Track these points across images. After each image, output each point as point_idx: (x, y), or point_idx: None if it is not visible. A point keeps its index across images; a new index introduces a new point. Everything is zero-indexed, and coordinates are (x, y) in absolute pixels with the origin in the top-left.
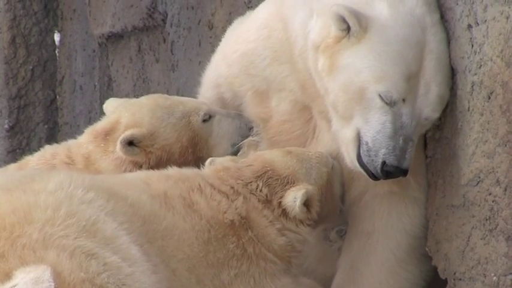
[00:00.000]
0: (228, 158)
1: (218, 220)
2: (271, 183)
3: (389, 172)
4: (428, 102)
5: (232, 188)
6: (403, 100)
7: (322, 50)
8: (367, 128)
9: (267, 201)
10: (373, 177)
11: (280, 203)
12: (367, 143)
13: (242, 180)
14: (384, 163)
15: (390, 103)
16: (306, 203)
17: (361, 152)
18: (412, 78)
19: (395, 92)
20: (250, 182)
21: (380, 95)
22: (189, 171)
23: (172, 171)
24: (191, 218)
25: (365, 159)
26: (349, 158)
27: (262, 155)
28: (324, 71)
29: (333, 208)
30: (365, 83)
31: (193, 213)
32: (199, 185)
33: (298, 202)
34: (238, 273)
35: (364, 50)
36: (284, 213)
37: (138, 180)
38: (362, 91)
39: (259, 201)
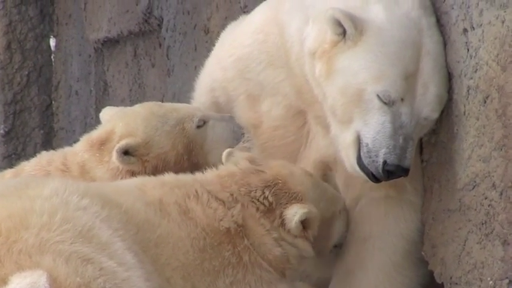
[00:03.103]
0: (246, 154)
1: (214, 228)
2: (278, 193)
3: (391, 172)
4: (427, 101)
5: (231, 195)
6: (402, 99)
7: (319, 56)
8: (367, 130)
9: (268, 211)
10: (374, 179)
11: (281, 213)
12: (367, 145)
13: (245, 187)
14: (385, 163)
15: (389, 103)
16: (305, 223)
17: (362, 154)
18: (409, 78)
19: (394, 91)
20: (255, 190)
21: (378, 95)
22: (186, 177)
23: (169, 177)
24: (186, 226)
25: (366, 161)
26: (349, 162)
27: (280, 166)
28: (321, 76)
29: (324, 247)
30: (363, 84)
31: (188, 220)
32: (196, 192)
33: (296, 217)
34: (233, 281)
35: (361, 52)
36: (283, 224)
37: (132, 187)
38: (360, 93)
39: (257, 210)
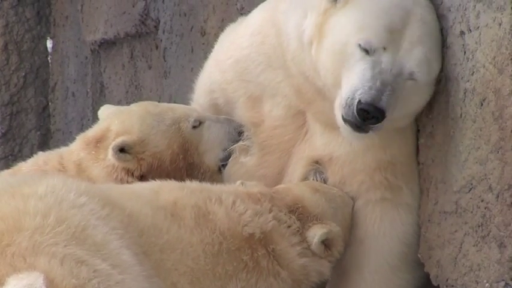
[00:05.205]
0: (258, 183)
1: (235, 232)
2: (301, 218)
3: (365, 111)
4: (413, 56)
5: (263, 206)
6: (384, 48)
7: (315, 36)
8: (349, 82)
9: (297, 231)
10: (353, 126)
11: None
12: (346, 88)
13: (276, 208)
14: (359, 102)
15: (370, 51)
16: (328, 243)
17: (341, 101)
18: (395, 33)
19: (375, 39)
20: (284, 213)
21: (360, 45)
22: (211, 185)
23: (191, 183)
24: (201, 230)
25: (343, 104)
26: (339, 121)
27: (291, 190)
28: (316, 50)
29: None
30: (347, 36)
31: (205, 223)
32: (220, 196)
33: (316, 239)
34: (245, 286)
35: (349, 10)
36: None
37: (146, 190)
38: (344, 47)
39: (289, 227)
